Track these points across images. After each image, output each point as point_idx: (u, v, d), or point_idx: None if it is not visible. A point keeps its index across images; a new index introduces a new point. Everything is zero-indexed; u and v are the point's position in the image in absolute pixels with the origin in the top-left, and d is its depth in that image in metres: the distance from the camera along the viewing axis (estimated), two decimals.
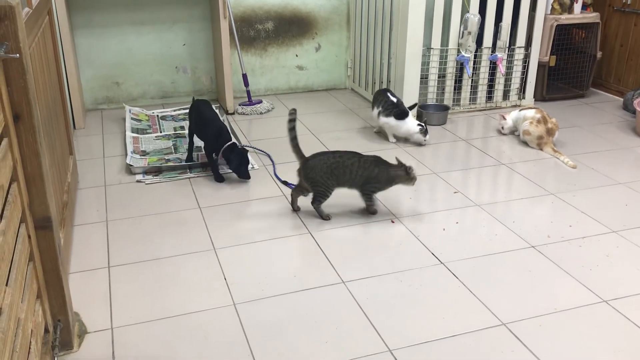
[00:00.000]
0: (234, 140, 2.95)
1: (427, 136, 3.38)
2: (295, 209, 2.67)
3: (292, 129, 2.57)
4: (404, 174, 2.55)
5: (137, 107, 4.00)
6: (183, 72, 4.17)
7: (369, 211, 2.65)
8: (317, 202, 2.59)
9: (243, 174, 2.92)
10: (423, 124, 3.40)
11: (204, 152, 3.06)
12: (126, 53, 4.00)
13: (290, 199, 2.69)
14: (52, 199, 1.71)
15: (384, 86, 3.99)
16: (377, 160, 2.57)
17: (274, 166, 3.12)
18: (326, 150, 2.93)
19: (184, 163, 3.10)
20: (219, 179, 2.96)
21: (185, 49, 4.11)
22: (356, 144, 3.45)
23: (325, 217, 2.60)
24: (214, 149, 2.96)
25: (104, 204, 2.74)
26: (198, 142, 3.17)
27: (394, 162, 2.58)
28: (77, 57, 3.86)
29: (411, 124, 3.39)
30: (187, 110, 3.88)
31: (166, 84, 4.16)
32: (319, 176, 2.52)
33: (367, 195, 2.61)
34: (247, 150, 3.00)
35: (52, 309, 1.74)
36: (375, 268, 2.24)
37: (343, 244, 2.41)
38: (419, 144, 3.42)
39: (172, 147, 3.33)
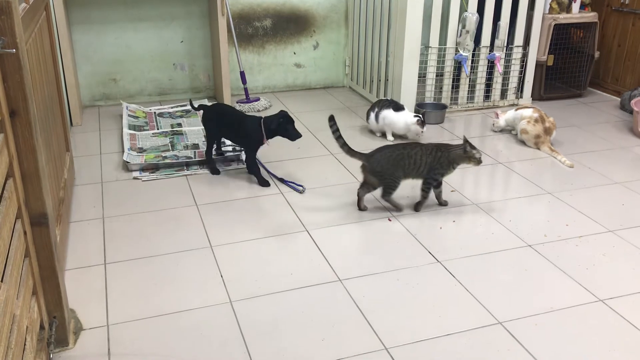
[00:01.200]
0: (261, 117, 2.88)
1: (425, 127, 3.39)
2: (362, 208, 2.65)
3: (338, 137, 2.61)
4: (461, 153, 2.56)
5: (135, 103, 3.99)
6: (181, 69, 4.16)
7: (440, 202, 2.69)
8: (386, 194, 2.61)
9: (296, 135, 2.84)
10: (420, 115, 3.41)
11: (246, 157, 2.94)
12: (124, 50, 3.99)
13: (357, 197, 2.67)
14: (49, 195, 1.70)
15: (382, 84, 3.99)
16: (439, 145, 2.59)
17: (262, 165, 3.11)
18: (388, 145, 2.78)
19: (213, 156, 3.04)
20: (266, 184, 2.88)
21: (183, 46, 4.11)
22: (355, 142, 3.44)
23: (399, 207, 2.63)
24: (258, 142, 2.85)
25: (100, 200, 2.73)
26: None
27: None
28: (75, 53, 3.85)
29: (408, 115, 3.40)
30: (185, 107, 3.88)
31: (164, 81, 4.15)
32: (386, 169, 2.55)
33: (428, 184, 2.61)
34: (281, 115, 2.86)
35: (47, 306, 1.74)
36: (372, 266, 2.24)
37: (340, 242, 2.41)
38: (416, 136, 3.42)
39: (169, 144, 3.32)
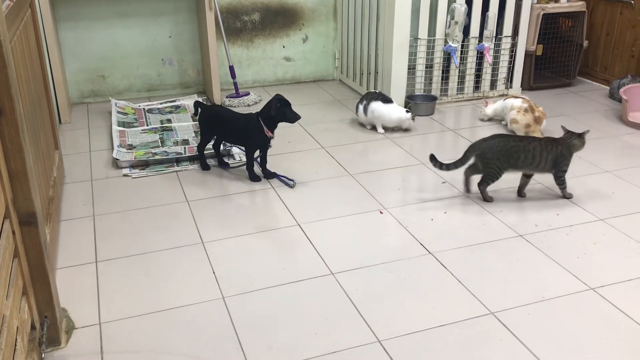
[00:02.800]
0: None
1: (413, 121, 3.46)
2: (469, 190, 2.70)
3: (448, 167, 2.65)
4: (578, 140, 2.61)
5: (123, 100, 3.96)
6: (169, 65, 4.14)
7: (565, 196, 2.69)
8: (485, 183, 2.63)
9: (295, 117, 2.79)
10: (409, 108, 3.44)
11: (246, 155, 2.89)
12: (112, 46, 3.96)
13: (463, 181, 2.71)
14: (37, 194, 1.69)
15: (372, 77, 3.99)
16: (554, 139, 2.63)
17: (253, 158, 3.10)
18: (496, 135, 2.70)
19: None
20: (256, 179, 2.87)
21: (171, 42, 4.08)
22: (345, 135, 3.45)
23: (489, 199, 2.65)
24: (262, 141, 2.81)
25: (90, 198, 2.72)
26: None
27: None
28: (62, 51, 3.82)
29: (400, 110, 3.40)
30: (174, 102, 3.86)
31: (152, 76, 4.13)
32: (495, 158, 2.56)
33: (561, 177, 2.64)
34: (277, 99, 2.79)
35: (38, 306, 1.73)
36: (364, 259, 2.24)
37: (332, 236, 2.41)
38: (406, 130, 3.44)
39: (159, 140, 3.31)
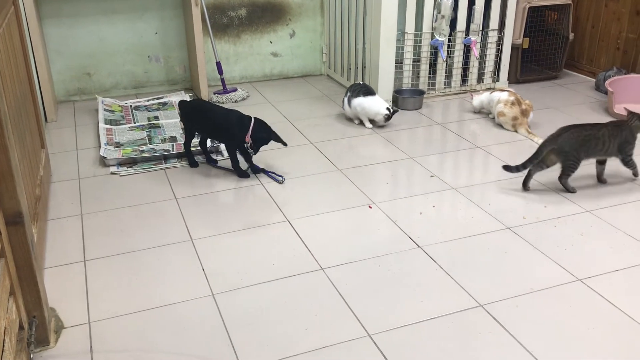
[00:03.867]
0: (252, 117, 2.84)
1: (387, 122, 3.43)
2: (528, 187, 2.72)
3: (529, 169, 2.71)
4: (639, 121, 2.67)
5: (110, 97, 3.94)
6: (156, 62, 4.11)
7: (635, 174, 2.80)
8: (566, 175, 2.67)
9: (278, 138, 2.85)
10: (390, 110, 3.40)
11: (228, 152, 2.90)
12: (97, 43, 3.93)
13: (524, 178, 2.73)
14: (23, 193, 1.68)
15: (360, 71, 3.99)
16: (617, 123, 2.70)
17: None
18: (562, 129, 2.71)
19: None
20: (245, 175, 2.87)
21: (158, 38, 4.06)
22: (333, 130, 3.45)
23: (572, 190, 2.69)
24: (241, 140, 2.81)
25: (78, 197, 2.70)
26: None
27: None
28: (47, 48, 3.79)
29: (381, 105, 3.39)
30: (162, 99, 3.84)
31: (139, 73, 4.10)
32: (574, 149, 2.62)
33: (629, 159, 2.72)
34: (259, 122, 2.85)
35: (26, 306, 1.72)
36: (353, 254, 2.24)
37: (321, 231, 2.41)
38: (382, 126, 3.46)
39: (146, 137, 3.29)
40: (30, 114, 2.60)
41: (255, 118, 2.81)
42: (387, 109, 3.38)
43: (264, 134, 2.81)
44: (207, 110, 2.89)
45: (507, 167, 2.74)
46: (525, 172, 2.72)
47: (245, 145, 2.82)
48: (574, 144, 2.62)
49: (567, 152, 2.63)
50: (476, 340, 1.81)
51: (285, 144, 2.88)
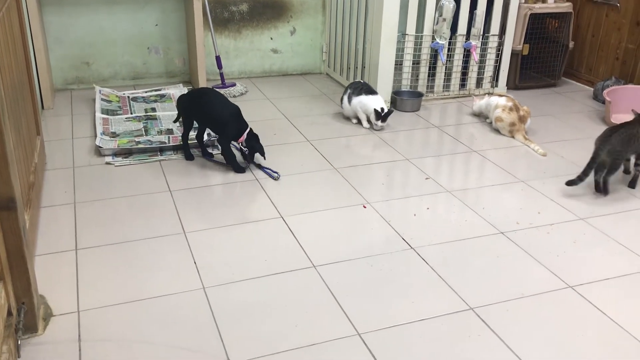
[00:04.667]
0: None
1: (380, 123, 3.37)
2: (608, 190, 2.76)
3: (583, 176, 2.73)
4: None
5: (108, 87, 3.92)
6: (155, 53, 4.10)
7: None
8: (611, 174, 2.72)
9: (262, 152, 2.87)
10: (383, 110, 3.36)
11: (220, 145, 2.90)
12: (97, 32, 3.91)
13: (572, 181, 2.73)
14: (17, 179, 1.67)
15: (359, 71, 3.99)
16: None
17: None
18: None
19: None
20: (240, 170, 2.87)
21: (158, 30, 4.05)
22: (331, 128, 3.44)
23: (608, 191, 2.76)
24: (235, 136, 2.82)
25: (72, 185, 2.69)
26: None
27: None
28: (46, 36, 3.77)
29: (375, 101, 3.38)
30: (160, 91, 3.83)
31: (138, 64, 4.09)
32: (623, 149, 2.69)
33: None
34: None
35: (16, 292, 1.71)
36: (346, 252, 2.24)
37: (314, 229, 2.41)
38: (374, 127, 3.44)
39: (143, 129, 3.28)
40: (27, 101, 2.59)
41: (250, 129, 2.83)
42: (381, 108, 3.36)
43: (255, 143, 2.83)
44: (207, 100, 2.88)
45: (570, 182, 2.73)
46: (586, 179, 2.72)
47: (238, 145, 2.82)
48: (625, 143, 2.69)
49: (619, 152, 2.68)
50: (465, 342, 1.81)
51: (264, 157, 2.90)
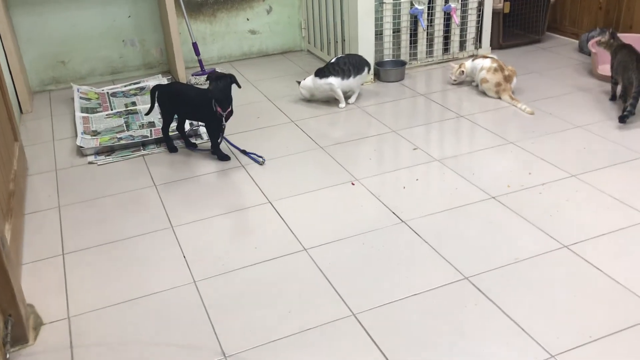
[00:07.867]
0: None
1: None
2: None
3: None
4: None
5: (86, 85, 3.85)
6: (131, 46, 4.02)
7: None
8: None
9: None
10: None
11: (208, 133, 2.82)
12: (70, 30, 3.83)
13: None
14: None
15: (340, 45, 3.91)
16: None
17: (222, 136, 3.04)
18: None
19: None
20: (225, 158, 2.80)
21: (131, 21, 3.96)
22: (315, 106, 3.39)
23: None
24: (215, 120, 2.72)
25: (55, 189, 2.65)
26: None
27: None
28: (17, 37, 3.69)
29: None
30: (139, 84, 3.76)
31: (114, 59, 4.01)
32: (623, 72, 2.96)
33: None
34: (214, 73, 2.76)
35: (1, 305, 1.67)
36: (336, 232, 2.21)
37: (303, 211, 2.37)
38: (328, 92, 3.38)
39: (124, 124, 3.22)
40: (1, 107, 2.53)
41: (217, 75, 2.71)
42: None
43: (222, 83, 2.66)
44: (182, 93, 2.83)
45: (623, 117, 2.89)
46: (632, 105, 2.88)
47: (223, 123, 2.74)
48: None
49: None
50: (462, 313, 1.78)
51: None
